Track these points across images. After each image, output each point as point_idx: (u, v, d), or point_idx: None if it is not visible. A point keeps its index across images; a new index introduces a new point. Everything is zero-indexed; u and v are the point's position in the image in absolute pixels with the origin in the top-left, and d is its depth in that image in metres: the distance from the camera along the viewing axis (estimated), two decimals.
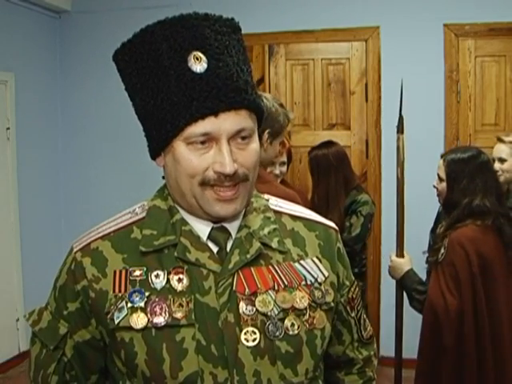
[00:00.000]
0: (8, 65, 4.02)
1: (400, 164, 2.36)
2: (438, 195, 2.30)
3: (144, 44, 0.92)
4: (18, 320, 4.06)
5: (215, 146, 0.91)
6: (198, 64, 0.89)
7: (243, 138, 0.93)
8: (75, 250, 1.00)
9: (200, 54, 0.89)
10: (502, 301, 2.04)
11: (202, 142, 0.90)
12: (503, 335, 2.03)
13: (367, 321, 1.17)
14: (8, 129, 4.05)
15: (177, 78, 0.89)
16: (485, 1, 3.76)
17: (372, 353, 1.18)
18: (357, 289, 1.13)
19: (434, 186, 2.31)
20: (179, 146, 0.92)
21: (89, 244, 0.99)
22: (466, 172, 2.12)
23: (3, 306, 3.98)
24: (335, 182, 3.14)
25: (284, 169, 2.96)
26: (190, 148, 0.91)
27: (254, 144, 0.96)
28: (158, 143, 0.95)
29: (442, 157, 2.26)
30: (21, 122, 4.14)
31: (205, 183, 0.92)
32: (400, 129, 2.37)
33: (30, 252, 4.21)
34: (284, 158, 2.91)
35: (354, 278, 1.12)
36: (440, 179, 2.23)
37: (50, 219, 4.51)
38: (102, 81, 4.44)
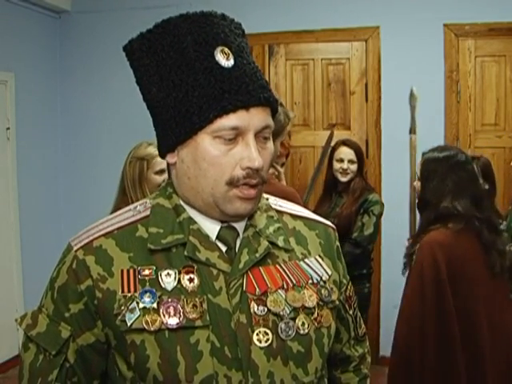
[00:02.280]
0: (8, 65, 4.02)
1: None
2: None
3: (166, 35, 0.91)
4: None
5: (241, 141, 0.90)
6: (226, 59, 0.90)
7: (265, 138, 0.93)
8: (75, 247, 0.95)
9: (227, 50, 0.90)
10: (481, 303, 1.96)
11: (230, 138, 0.89)
12: (482, 340, 1.95)
13: (361, 319, 1.18)
14: (8, 129, 4.05)
15: (204, 71, 0.89)
16: (485, 1, 3.76)
17: (366, 350, 1.18)
18: (352, 287, 1.14)
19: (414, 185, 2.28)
20: (204, 140, 0.90)
21: (91, 242, 0.94)
22: (438, 172, 2.04)
23: (3, 306, 3.98)
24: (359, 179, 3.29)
25: (283, 169, 2.98)
26: (217, 142, 0.89)
27: (271, 144, 0.96)
28: (178, 136, 0.92)
29: (422, 155, 2.20)
30: (21, 122, 4.14)
31: (233, 183, 0.91)
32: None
33: (30, 252, 4.20)
34: (284, 159, 2.93)
35: (348, 277, 1.13)
36: (418, 178, 2.19)
37: (49, 219, 4.51)
38: (102, 81, 4.44)
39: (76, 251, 0.94)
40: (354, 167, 3.23)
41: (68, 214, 4.60)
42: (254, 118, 0.90)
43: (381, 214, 3.22)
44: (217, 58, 0.89)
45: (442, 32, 3.84)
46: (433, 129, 3.83)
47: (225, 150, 0.90)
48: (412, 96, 2.54)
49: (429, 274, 1.93)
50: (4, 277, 4.02)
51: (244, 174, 0.90)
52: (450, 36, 3.85)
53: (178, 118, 0.90)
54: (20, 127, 4.13)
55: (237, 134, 0.90)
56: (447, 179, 2.01)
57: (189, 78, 0.89)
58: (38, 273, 4.03)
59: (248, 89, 0.89)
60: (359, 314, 1.17)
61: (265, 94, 0.91)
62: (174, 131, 0.92)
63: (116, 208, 1.92)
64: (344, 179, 3.24)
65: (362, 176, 3.28)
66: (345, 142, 3.33)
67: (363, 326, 1.18)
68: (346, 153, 3.26)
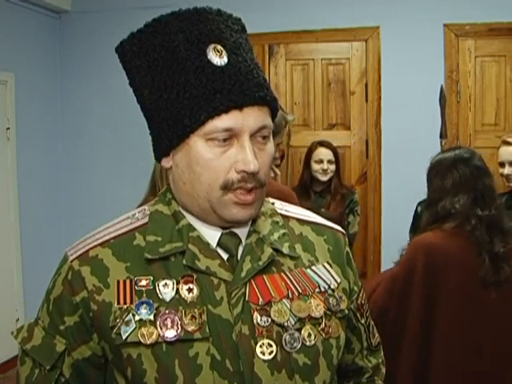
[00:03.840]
0: (8, 65, 4.01)
1: None
2: None
3: (157, 35, 0.87)
4: (18, 320, 4.06)
5: (236, 143, 0.86)
6: (219, 57, 0.85)
7: (263, 138, 0.88)
8: (71, 258, 0.91)
9: (220, 47, 0.86)
10: (457, 327, 1.76)
11: (224, 140, 0.85)
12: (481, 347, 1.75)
13: (375, 327, 1.12)
14: (8, 129, 4.05)
15: (196, 71, 0.85)
16: (485, 1, 3.76)
17: (380, 360, 1.12)
18: (364, 294, 1.08)
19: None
20: (197, 143, 0.86)
21: (87, 251, 0.91)
22: (439, 170, 1.89)
23: (3, 306, 3.97)
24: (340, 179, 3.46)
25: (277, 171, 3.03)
26: (210, 144, 0.85)
27: (271, 145, 0.91)
28: (171, 140, 0.88)
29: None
30: (21, 122, 4.14)
31: (227, 187, 0.86)
32: None
33: (30, 252, 4.20)
34: (278, 162, 2.97)
35: (361, 284, 1.07)
36: None
37: (50, 219, 4.51)
38: (102, 81, 4.44)
39: (71, 261, 0.91)
40: (333, 167, 3.36)
41: (68, 214, 4.60)
42: (249, 118, 0.85)
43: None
44: (209, 57, 0.85)
45: (441, 32, 3.85)
46: (433, 129, 3.83)
47: (218, 153, 0.86)
48: (443, 97, 2.45)
49: (401, 273, 1.81)
50: (4, 277, 4.01)
51: (239, 177, 0.86)
52: (449, 36, 3.85)
53: (170, 121, 0.87)
54: (20, 127, 4.13)
55: (231, 136, 0.85)
56: (447, 176, 1.85)
57: (180, 78, 0.85)
58: (38, 273, 4.03)
59: (242, 88, 0.84)
60: (372, 322, 1.10)
61: (260, 92, 0.86)
62: (166, 134, 0.88)
63: (145, 200, 1.95)
64: (324, 178, 3.35)
65: (339, 176, 3.41)
66: (322, 144, 3.42)
67: (377, 335, 1.11)
68: (324, 154, 3.36)
